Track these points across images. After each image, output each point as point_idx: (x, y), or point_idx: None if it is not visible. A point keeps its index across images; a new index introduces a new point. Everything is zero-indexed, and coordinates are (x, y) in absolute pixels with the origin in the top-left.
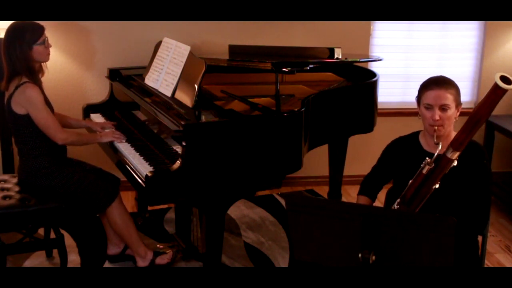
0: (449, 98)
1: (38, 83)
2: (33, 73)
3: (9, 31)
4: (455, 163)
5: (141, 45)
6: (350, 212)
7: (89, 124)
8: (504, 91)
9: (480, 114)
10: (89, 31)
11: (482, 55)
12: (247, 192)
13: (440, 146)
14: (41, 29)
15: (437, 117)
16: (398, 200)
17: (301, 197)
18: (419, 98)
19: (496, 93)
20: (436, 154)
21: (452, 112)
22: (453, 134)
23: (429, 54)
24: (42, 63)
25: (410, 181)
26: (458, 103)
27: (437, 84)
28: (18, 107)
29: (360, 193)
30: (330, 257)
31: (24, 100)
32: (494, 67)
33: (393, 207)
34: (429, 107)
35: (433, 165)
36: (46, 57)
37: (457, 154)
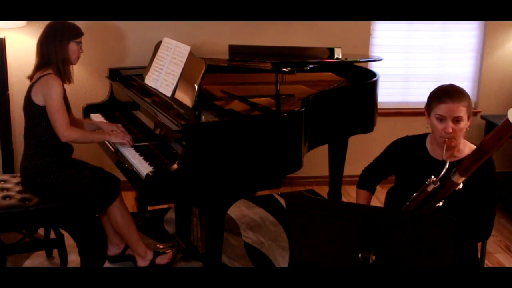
0: (462, 111)
1: (62, 78)
2: (65, 66)
3: (51, 25)
4: (460, 186)
5: (141, 45)
6: (350, 212)
7: (101, 126)
8: None
9: (489, 146)
10: (89, 31)
11: (482, 55)
12: (247, 192)
13: (448, 164)
14: (81, 32)
15: (450, 130)
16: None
17: (301, 197)
18: (429, 108)
19: (505, 129)
20: (442, 173)
21: (465, 123)
22: (463, 143)
23: (429, 54)
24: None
25: (414, 195)
26: (470, 114)
27: (450, 96)
28: (37, 97)
29: (359, 186)
30: (330, 257)
31: (45, 89)
32: (494, 67)
33: None
34: (442, 119)
35: (438, 184)
36: (76, 59)
37: (462, 179)
